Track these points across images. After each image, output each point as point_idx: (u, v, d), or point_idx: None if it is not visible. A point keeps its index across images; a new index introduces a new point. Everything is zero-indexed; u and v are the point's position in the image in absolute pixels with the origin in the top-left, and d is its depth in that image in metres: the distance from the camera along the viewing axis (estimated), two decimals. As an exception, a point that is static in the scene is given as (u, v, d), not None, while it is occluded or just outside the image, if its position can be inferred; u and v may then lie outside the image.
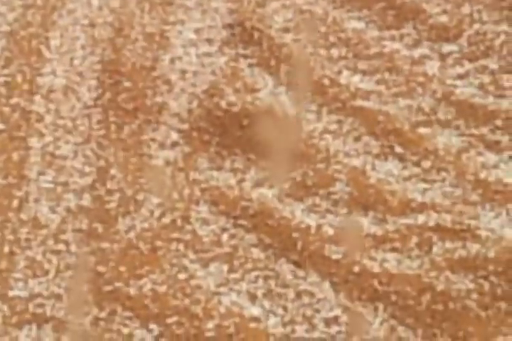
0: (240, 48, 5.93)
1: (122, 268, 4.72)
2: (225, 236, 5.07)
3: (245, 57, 5.87)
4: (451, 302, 5.14)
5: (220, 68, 5.88)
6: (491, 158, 5.70)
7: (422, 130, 5.73)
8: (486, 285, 5.24)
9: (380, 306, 4.94)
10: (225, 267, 4.89)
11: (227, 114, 5.50)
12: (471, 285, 5.25)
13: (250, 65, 5.87)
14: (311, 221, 5.12)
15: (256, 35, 6.04)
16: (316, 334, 4.88)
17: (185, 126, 5.57)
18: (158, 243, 4.89)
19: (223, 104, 5.53)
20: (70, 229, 4.88)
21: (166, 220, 5.03)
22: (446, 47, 6.17)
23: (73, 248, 4.80)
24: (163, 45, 5.93)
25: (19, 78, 5.59)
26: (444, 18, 6.19)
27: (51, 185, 5.23)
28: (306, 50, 5.96)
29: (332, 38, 6.04)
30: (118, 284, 4.64)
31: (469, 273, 5.27)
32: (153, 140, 5.32)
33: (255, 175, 5.56)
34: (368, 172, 5.48)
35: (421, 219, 5.43)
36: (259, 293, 4.83)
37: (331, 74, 5.77)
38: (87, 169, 5.19)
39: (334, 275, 4.99)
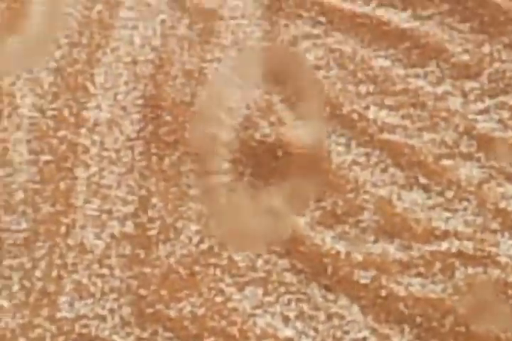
0: (273, 84, 6.04)
1: (163, 292, 4.90)
2: (259, 262, 5.19)
3: (278, 92, 5.95)
4: (473, 324, 5.19)
5: (255, 102, 5.92)
6: (510, 188, 5.70)
7: (445, 162, 5.76)
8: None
9: (406, 328, 5.09)
10: (260, 290, 5.03)
11: (261, 145, 5.63)
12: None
13: (283, 100, 5.94)
14: (341, 247, 5.28)
15: (288, 71, 6.15)
16: (346, 354, 5.13)
17: (223, 158, 5.63)
18: (197, 268, 5.05)
19: (257, 135, 5.67)
20: (114, 255, 5.04)
21: (204, 246, 5.17)
22: (468, 84, 6.19)
23: (117, 272, 4.94)
24: (201, 81, 5.97)
25: (66, 112, 5.68)
26: (465, 57, 6.17)
27: (96, 213, 5.33)
28: (336, 86, 6.05)
29: (360, 75, 6.16)
30: (159, 306, 4.83)
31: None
32: (191, 170, 5.44)
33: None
34: (394, 201, 5.61)
35: (444, 246, 5.54)
36: (292, 315, 4.95)
37: (359, 109, 5.88)
38: (129, 198, 5.33)
39: (363, 299, 5.16)
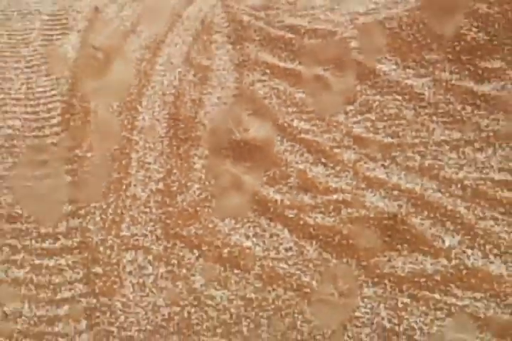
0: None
1: (179, 221, 5.48)
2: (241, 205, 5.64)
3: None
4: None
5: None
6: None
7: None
8: None
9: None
10: (233, 221, 5.44)
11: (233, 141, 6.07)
12: None
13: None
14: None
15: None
16: None
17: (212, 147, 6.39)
18: (198, 208, 5.60)
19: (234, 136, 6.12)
20: (152, 201, 5.67)
21: (202, 196, 5.67)
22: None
23: (154, 210, 5.50)
24: (201, 105, 6.66)
25: (126, 122, 6.66)
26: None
27: (142, 178, 5.93)
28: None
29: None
30: (177, 229, 5.41)
31: None
32: (195, 154, 6.15)
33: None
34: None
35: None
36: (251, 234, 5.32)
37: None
38: (161, 169, 5.97)
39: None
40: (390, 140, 6.18)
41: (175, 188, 5.85)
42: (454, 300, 4.73)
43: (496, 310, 4.61)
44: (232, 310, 4.74)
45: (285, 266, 5.08)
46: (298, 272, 5.01)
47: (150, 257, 5.28)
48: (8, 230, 5.45)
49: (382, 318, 4.68)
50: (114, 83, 7.18)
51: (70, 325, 4.70)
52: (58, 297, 4.90)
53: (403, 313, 4.68)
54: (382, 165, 5.93)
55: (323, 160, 6.03)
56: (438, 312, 4.67)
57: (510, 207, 5.35)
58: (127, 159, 6.15)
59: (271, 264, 5.07)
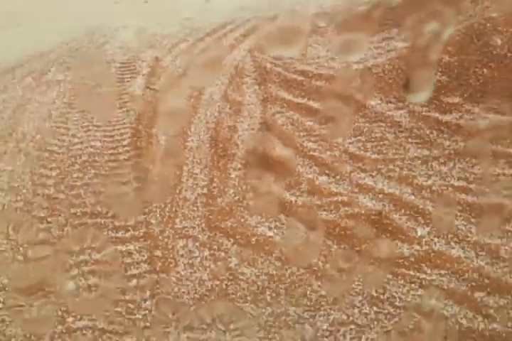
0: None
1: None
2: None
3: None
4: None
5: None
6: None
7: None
8: None
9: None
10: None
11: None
12: None
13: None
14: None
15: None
16: None
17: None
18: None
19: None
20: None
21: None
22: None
23: (198, 204, 5.41)
24: (234, 129, 6.47)
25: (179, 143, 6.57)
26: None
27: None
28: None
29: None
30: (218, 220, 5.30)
31: None
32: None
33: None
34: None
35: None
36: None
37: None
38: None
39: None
40: (376, 156, 6.14)
41: (215, 192, 5.80)
42: (424, 276, 4.73)
43: (455, 283, 4.61)
44: (259, 283, 4.73)
45: (298, 250, 5.06)
46: (308, 255, 5.00)
47: (197, 244, 5.20)
48: (91, 223, 5.45)
49: (371, 289, 4.66)
50: (170, 114, 7.16)
51: (137, 294, 4.70)
52: (128, 273, 4.91)
53: (386, 285, 4.68)
54: (371, 175, 5.90)
55: (326, 171, 5.99)
56: (413, 285, 4.67)
57: (467, 205, 5.33)
58: (180, 170, 6.09)
59: (288, 249, 5.05)
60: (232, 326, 4.03)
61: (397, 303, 4.33)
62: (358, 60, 7.90)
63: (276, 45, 8.86)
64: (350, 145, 6.41)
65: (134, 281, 4.61)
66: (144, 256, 4.87)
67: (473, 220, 5.20)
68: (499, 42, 7.01)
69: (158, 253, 4.91)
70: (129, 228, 5.30)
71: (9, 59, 8.71)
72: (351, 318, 4.34)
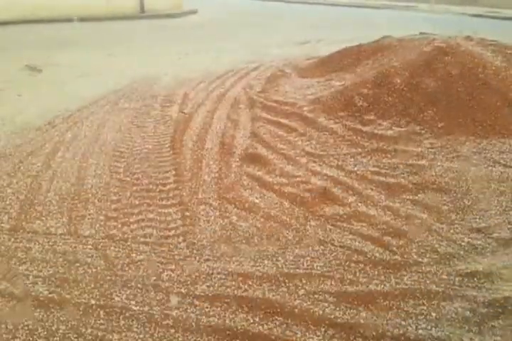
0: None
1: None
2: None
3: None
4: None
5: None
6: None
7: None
8: None
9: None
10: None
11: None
12: None
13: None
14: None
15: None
16: None
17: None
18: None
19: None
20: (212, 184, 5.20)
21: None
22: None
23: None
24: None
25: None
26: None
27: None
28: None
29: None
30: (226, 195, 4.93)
31: None
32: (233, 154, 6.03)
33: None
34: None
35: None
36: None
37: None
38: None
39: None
40: (322, 152, 6.06)
41: (223, 176, 5.64)
42: (351, 226, 4.57)
43: (371, 231, 4.46)
44: (250, 232, 4.45)
45: (274, 211, 4.83)
46: (279, 215, 4.78)
47: (211, 208, 4.82)
48: (146, 196, 5.13)
49: (319, 235, 4.47)
50: (194, 128, 7.09)
51: (174, 239, 4.27)
52: (169, 226, 4.55)
53: (329, 233, 4.50)
54: (319, 164, 5.78)
55: (291, 163, 5.90)
56: (345, 232, 4.49)
57: (379, 183, 5.26)
58: (200, 163, 5.95)
59: (268, 211, 4.81)
60: (233, 259, 3.90)
61: (335, 244, 4.21)
62: (311, 93, 7.88)
63: (259, 84, 8.95)
64: (306, 146, 6.32)
65: (173, 231, 4.37)
66: (178, 215, 4.65)
67: (383, 192, 5.11)
68: (398, 81, 6.98)
69: (187, 213, 4.68)
70: (169, 198, 5.08)
71: (94, 95, 8.92)
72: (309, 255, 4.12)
